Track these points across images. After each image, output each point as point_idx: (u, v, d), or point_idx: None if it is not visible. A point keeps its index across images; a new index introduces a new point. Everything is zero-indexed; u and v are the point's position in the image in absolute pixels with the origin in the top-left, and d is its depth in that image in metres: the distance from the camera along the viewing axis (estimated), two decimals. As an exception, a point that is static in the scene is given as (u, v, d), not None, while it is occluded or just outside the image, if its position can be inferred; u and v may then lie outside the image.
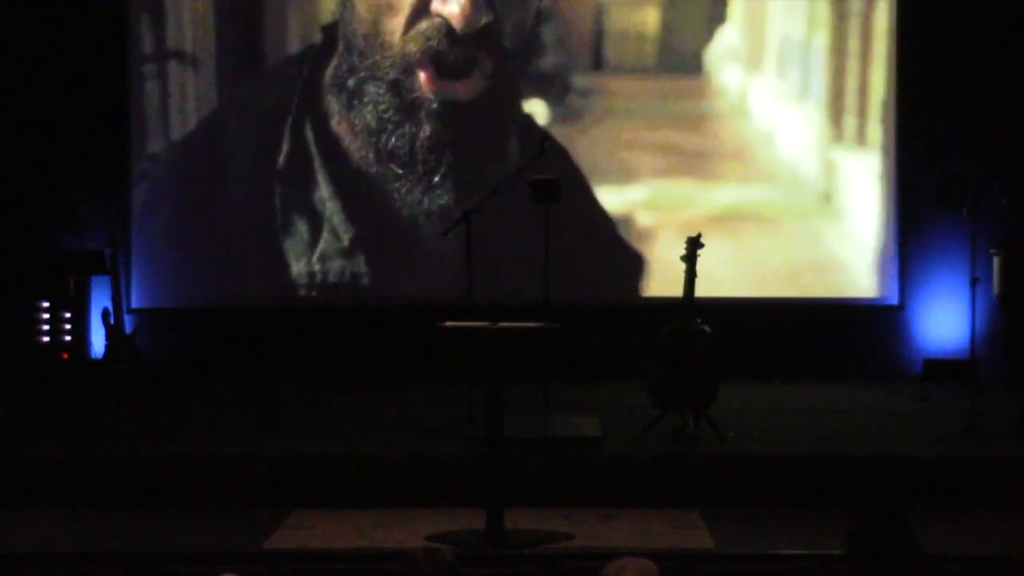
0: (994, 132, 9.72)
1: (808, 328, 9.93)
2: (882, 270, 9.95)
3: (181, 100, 10.11)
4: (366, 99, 9.96)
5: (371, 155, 9.97)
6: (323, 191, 9.99)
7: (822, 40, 9.97)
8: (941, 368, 9.68)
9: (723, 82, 10.03)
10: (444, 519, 6.61)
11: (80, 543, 6.36)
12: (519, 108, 9.99)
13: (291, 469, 7.16)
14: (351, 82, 9.99)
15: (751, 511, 6.82)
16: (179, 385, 9.62)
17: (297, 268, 10.03)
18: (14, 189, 10.03)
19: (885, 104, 9.91)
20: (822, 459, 7.19)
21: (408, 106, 9.94)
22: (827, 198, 9.96)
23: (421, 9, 9.91)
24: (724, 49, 10.01)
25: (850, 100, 9.96)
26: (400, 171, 9.95)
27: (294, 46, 10.08)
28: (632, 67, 10.10)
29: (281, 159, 10.00)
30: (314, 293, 10.04)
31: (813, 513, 6.73)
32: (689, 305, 7.60)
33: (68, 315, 9.84)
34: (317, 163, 9.99)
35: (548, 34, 10.04)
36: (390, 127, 9.94)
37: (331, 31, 10.02)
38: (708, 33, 10.01)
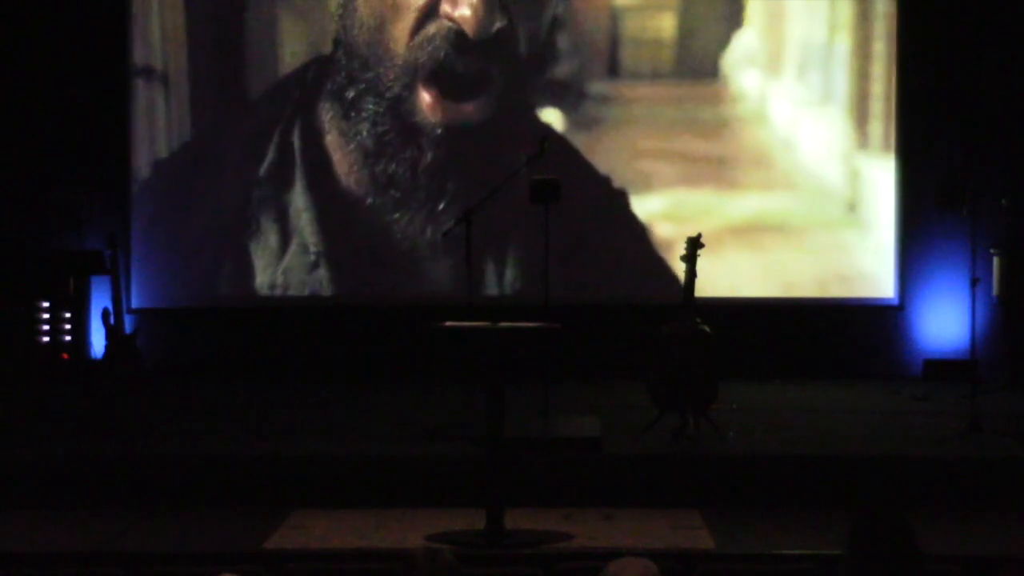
0: (994, 132, 9.72)
1: (808, 328, 9.93)
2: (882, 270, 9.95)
3: (181, 100, 10.10)
4: (364, 114, 9.79)
5: (367, 178, 9.79)
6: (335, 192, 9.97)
7: (845, 43, 9.83)
8: (941, 368, 9.68)
9: (742, 87, 9.89)
10: (444, 519, 6.60)
11: (80, 543, 6.35)
12: (531, 126, 9.65)
13: (291, 469, 7.15)
14: (350, 93, 9.81)
15: (751, 511, 6.80)
16: (179, 385, 9.62)
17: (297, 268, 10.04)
18: (14, 189, 10.04)
19: (899, 106, 9.82)
20: (822, 459, 7.18)
21: (409, 129, 9.71)
22: (851, 206, 9.84)
23: (430, 12, 9.65)
24: (742, 53, 9.87)
25: (875, 105, 9.82)
26: (398, 195, 9.78)
27: (299, 57, 9.92)
28: (648, 73, 9.95)
29: (265, 165, 9.92)
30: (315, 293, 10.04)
31: (813, 513, 6.72)
32: (689, 305, 7.61)
33: (68, 315, 9.84)
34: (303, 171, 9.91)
35: (563, 41, 9.84)
36: (389, 151, 9.74)
37: (336, 38, 9.85)
38: (725, 37, 9.87)
